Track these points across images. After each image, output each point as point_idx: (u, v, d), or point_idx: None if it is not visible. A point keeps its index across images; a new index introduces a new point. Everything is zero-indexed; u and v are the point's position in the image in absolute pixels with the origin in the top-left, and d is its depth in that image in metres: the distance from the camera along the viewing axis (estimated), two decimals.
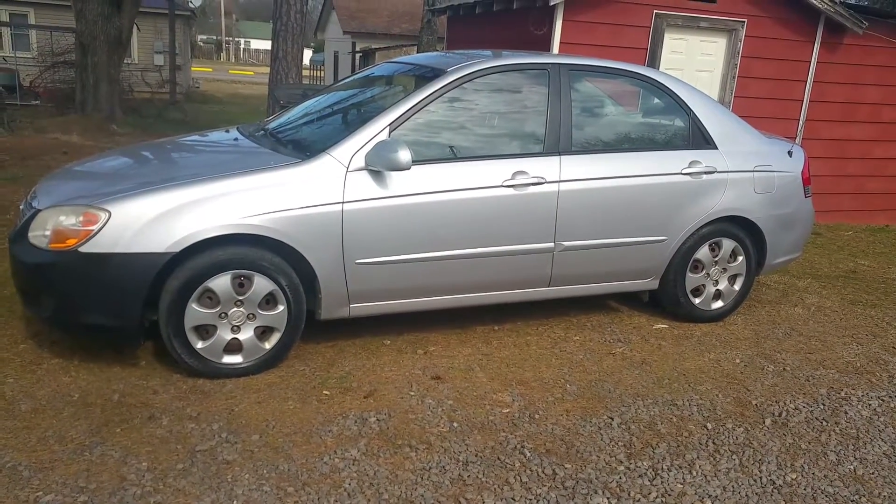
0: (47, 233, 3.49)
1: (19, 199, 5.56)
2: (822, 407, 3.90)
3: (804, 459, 3.38)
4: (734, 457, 3.35)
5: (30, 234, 3.55)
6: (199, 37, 61.13)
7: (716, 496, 3.05)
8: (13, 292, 4.07)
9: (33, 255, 3.50)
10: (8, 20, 20.85)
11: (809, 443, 3.53)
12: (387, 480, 2.98)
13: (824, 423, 3.73)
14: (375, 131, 3.89)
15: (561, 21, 7.19)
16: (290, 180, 3.70)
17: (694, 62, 7.88)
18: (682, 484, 3.11)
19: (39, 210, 3.60)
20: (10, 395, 3.43)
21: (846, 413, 3.85)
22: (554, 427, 3.49)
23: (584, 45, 7.25)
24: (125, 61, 15.11)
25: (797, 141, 8.13)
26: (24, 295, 3.75)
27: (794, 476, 3.23)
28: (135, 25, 14.88)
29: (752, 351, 4.59)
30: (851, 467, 3.34)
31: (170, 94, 19.32)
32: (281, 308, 3.75)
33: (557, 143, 4.32)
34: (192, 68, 32.21)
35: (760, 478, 3.20)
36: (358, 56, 25.59)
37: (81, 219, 3.44)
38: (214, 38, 68.88)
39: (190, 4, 29.14)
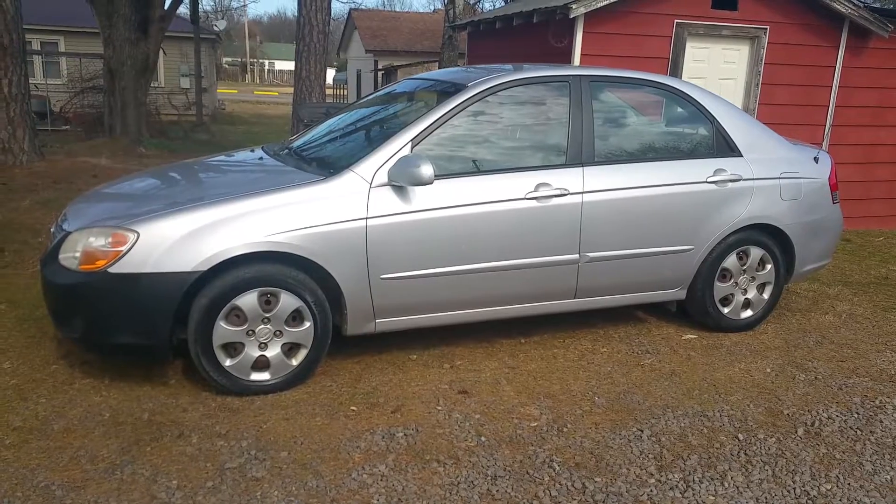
0: (77, 254, 3.55)
1: (50, 221, 5.65)
2: (856, 416, 3.83)
3: (839, 469, 3.31)
4: (767, 468, 3.30)
5: (60, 256, 3.61)
6: (225, 59, 61.95)
7: None
8: (45, 313, 4.14)
9: (64, 277, 3.56)
10: (39, 48, 21.30)
11: (844, 452, 3.46)
12: (415, 496, 2.97)
13: (859, 432, 3.67)
14: (398, 147, 3.91)
15: (581, 33, 7.19)
16: (315, 197, 3.73)
17: (717, 70, 7.83)
18: (713, 496, 3.07)
19: (69, 232, 3.66)
20: (43, 414, 3.48)
21: (881, 422, 3.78)
22: (583, 440, 3.46)
23: (605, 56, 7.23)
24: (152, 85, 15.38)
25: (824, 147, 8.04)
26: (55, 316, 3.80)
27: (828, 487, 3.18)
28: (161, 50, 15.12)
29: (783, 360, 4.53)
30: (888, 477, 3.27)
31: (196, 115, 19.61)
32: (307, 324, 3.78)
33: (580, 155, 4.31)
34: (218, 90, 32.62)
35: (794, 489, 3.15)
36: (380, 74, 25.78)
37: (110, 240, 3.49)
38: (239, 60, 69.73)
39: (215, 28, 29.56)
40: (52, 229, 4.13)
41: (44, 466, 3.06)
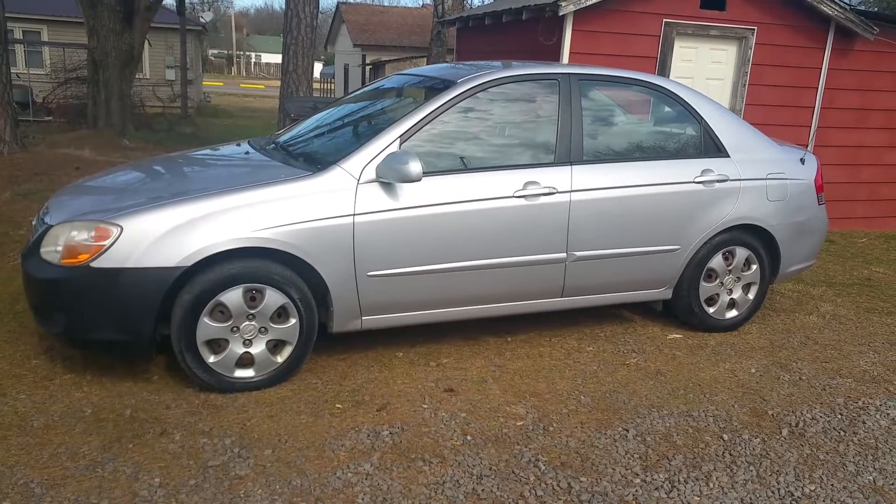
0: (59, 248, 3.50)
1: (32, 214, 5.58)
2: (839, 417, 3.86)
3: (822, 470, 3.33)
4: (751, 468, 3.31)
5: (42, 250, 3.56)
6: (211, 51, 61.51)
7: None
8: (26, 308, 4.09)
9: (45, 271, 3.51)
10: (21, 37, 21.05)
11: (827, 453, 3.48)
12: (400, 495, 2.95)
13: (842, 433, 3.69)
14: (386, 143, 3.89)
15: (570, 31, 7.19)
16: (302, 193, 3.70)
17: (704, 70, 7.85)
18: (698, 496, 3.07)
19: (51, 225, 3.61)
20: (22, 410, 3.43)
21: (864, 423, 3.80)
22: (569, 439, 3.46)
23: (593, 54, 7.24)
24: (137, 76, 15.20)
25: (809, 148, 8.08)
26: (36, 311, 3.75)
27: (812, 487, 3.19)
28: (146, 41, 14.98)
29: (768, 360, 4.55)
30: (871, 478, 3.29)
31: (181, 108, 19.44)
32: (293, 321, 3.75)
33: (569, 153, 4.30)
34: (204, 82, 32.41)
35: (778, 489, 3.16)
36: (368, 68, 25.69)
37: (93, 234, 3.45)
38: (225, 52, 69.28)
39: (201, 19, 29.35)
40: (33, 222, 4.07)
41: (23, 463, 3.02)
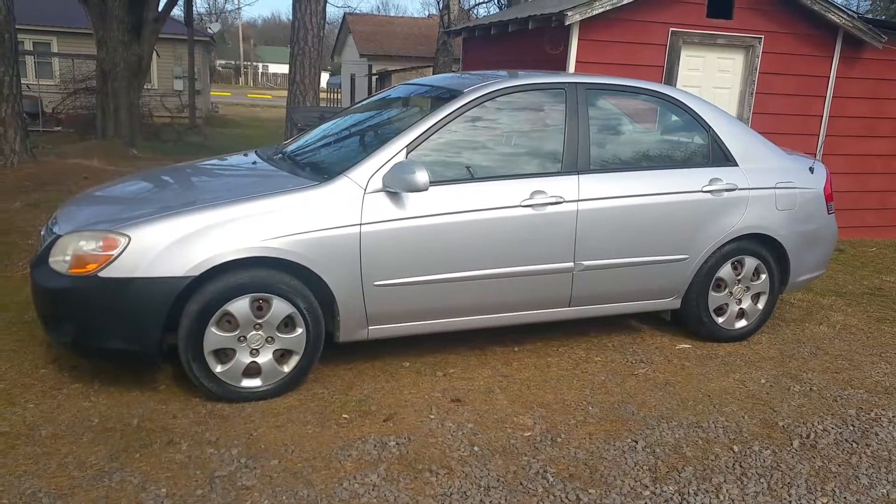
0: (67, 258, 3.50)
1: (40, 224, 5.60)
2: (851, 428, 3.82)
3: (835, 483, 3.29)
4: (762, 480, 3.27)
5: (50, 260, 3.56)
6: (218, 62, 61.80)
7: None
8: (34, 317, 4.09)
9: (54, 281, 3.51)
10: (32, 49, 21.20)
11: (839, 465, 3.44)
12: None
13: (854, 444, 3.65)
14: (393, 153, 3.88)
15: (577, 40, 7.19)
16: (308, 203, 3.70)
17: (711, 79, 7.83)
18: None
19: (60, 235, 3.61)
20: (30, 420, 3.42)
21: (877, 434, 3.76)
22: (577, 451, 3.43)
23: (600, 63, 7.23)
24: (145, 87, 15.30)
25: (818, 157, 8.05)
26: (44, 320, 3.75)
27: (824, 500, 3.15)
28: (154, 52, 15.07)
29: (778, 371, 4.51)
30: (884, 491, 3.25)
31: (189, 118, 19.54)
32: (300, 331, 3.74)
33: (576, 162, 4.29)
34: (211, 93, 32.51)
35: (790, 502, 3.12)
36: (374, 78, 25.77)
37: (101, 244, 3.45)
38: (233, 62, 69.63)
39: (209, 30, 29.52)
40: (42, 232, 4.08)
41: (31, 473, 3.01)
